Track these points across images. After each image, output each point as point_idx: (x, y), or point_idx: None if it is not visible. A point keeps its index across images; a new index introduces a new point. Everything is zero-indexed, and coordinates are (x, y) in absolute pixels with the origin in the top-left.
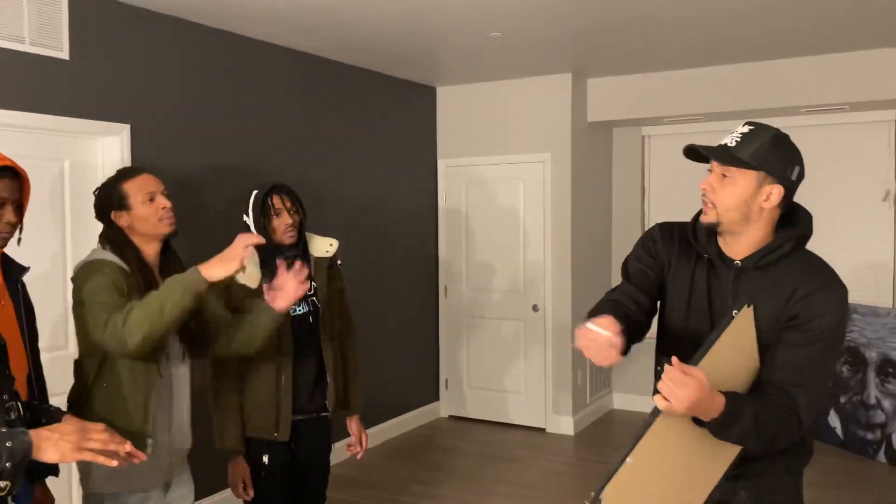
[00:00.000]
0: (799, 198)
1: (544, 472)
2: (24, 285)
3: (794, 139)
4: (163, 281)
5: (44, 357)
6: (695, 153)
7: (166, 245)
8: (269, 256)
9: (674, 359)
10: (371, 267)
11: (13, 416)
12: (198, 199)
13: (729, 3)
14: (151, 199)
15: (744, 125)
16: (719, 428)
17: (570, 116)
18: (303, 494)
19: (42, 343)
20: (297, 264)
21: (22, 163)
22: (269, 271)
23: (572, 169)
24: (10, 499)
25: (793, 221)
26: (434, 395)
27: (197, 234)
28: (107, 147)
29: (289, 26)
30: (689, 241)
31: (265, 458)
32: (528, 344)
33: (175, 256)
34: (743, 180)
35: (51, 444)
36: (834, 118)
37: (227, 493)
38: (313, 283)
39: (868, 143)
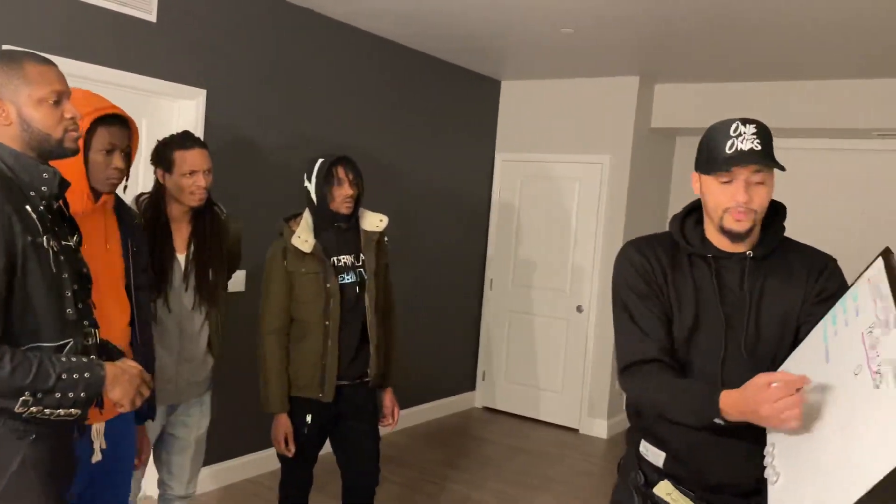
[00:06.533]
0: None
1: (573, 470)
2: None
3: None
4: (188, 238)
5: None
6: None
7: (209, 204)
8: (325, 223)
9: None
10: (418, 250)
11: (90, 342)
12: (262, 166)
13: (815, 13)
14: (191, 174)
15: (746, 125)
16: None
17: (634, 120)
18: (356, 464)
19: None
20: None
21: None
22: (322, 237)
23: (630, 174)
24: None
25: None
26: (470, 385)
27: (259, 200)
28: (183, 110)
29: (363, 8)
30: (675, 248)
31: (308, 417)
32: (570, 344)
33: (213, 215)
34: (771, 180)
35: (119, 384)
36: None
37: (271, 451)
38: (362, 255)
39: None
